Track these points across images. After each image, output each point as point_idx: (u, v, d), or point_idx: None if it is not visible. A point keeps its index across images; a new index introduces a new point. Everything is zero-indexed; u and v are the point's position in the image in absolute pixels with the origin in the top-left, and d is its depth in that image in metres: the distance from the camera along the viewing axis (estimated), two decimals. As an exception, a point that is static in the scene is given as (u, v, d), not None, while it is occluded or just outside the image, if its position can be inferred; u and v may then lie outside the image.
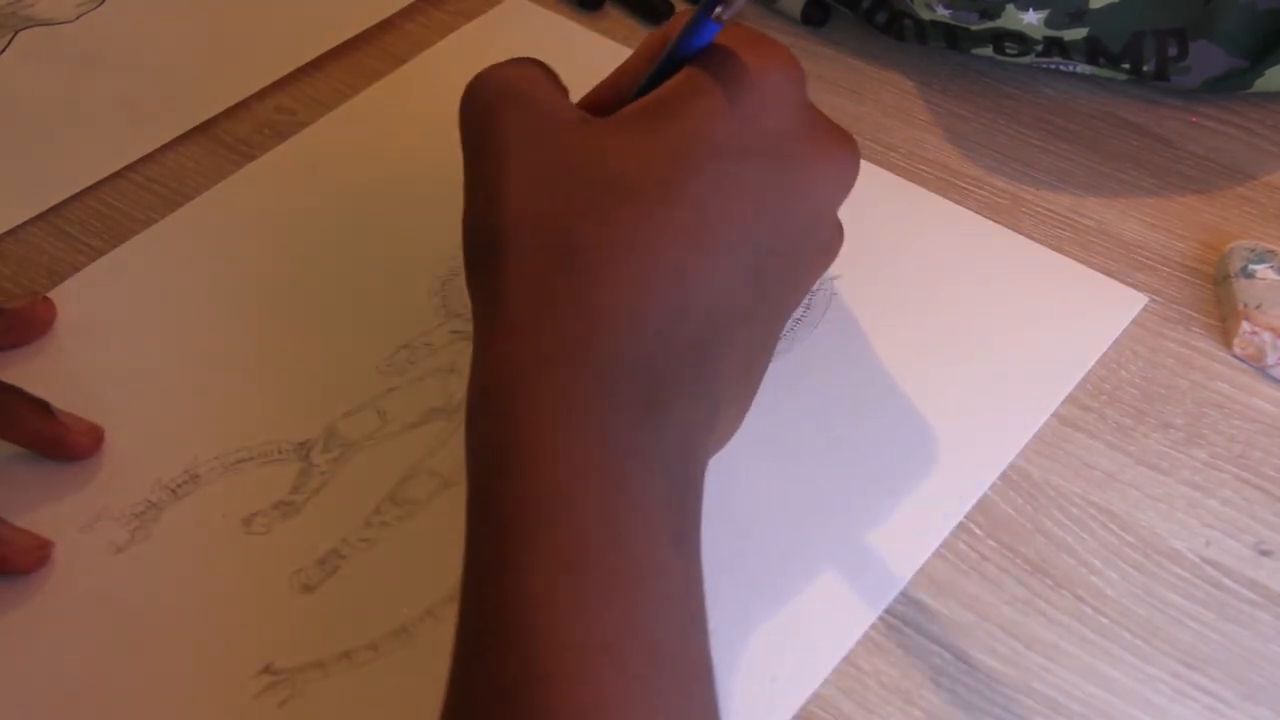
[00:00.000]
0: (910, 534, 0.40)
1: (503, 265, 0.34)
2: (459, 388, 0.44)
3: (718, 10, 0.35)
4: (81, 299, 0.48)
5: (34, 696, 0.37)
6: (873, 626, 0.38)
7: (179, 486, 0.42)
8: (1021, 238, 0.49)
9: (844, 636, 0.38)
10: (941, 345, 0.46)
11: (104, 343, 0.47)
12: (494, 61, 0.37)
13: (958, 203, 0.51)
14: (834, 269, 0.48)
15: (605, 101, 0.39)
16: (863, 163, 0.52)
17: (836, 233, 0.40)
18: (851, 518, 0.41)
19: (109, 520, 0.41)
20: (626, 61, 0.40)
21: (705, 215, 0.34)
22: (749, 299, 0.35)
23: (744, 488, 0.41)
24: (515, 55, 0.57)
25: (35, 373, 0.45)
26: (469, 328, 0.46)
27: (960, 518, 0.41)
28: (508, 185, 0.35)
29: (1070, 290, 0.47)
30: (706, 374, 0.34)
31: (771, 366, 0.40)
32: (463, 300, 0.47)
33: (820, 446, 0.43)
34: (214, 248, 0.50)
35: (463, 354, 0.45)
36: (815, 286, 0.47)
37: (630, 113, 0.36)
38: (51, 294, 0.48)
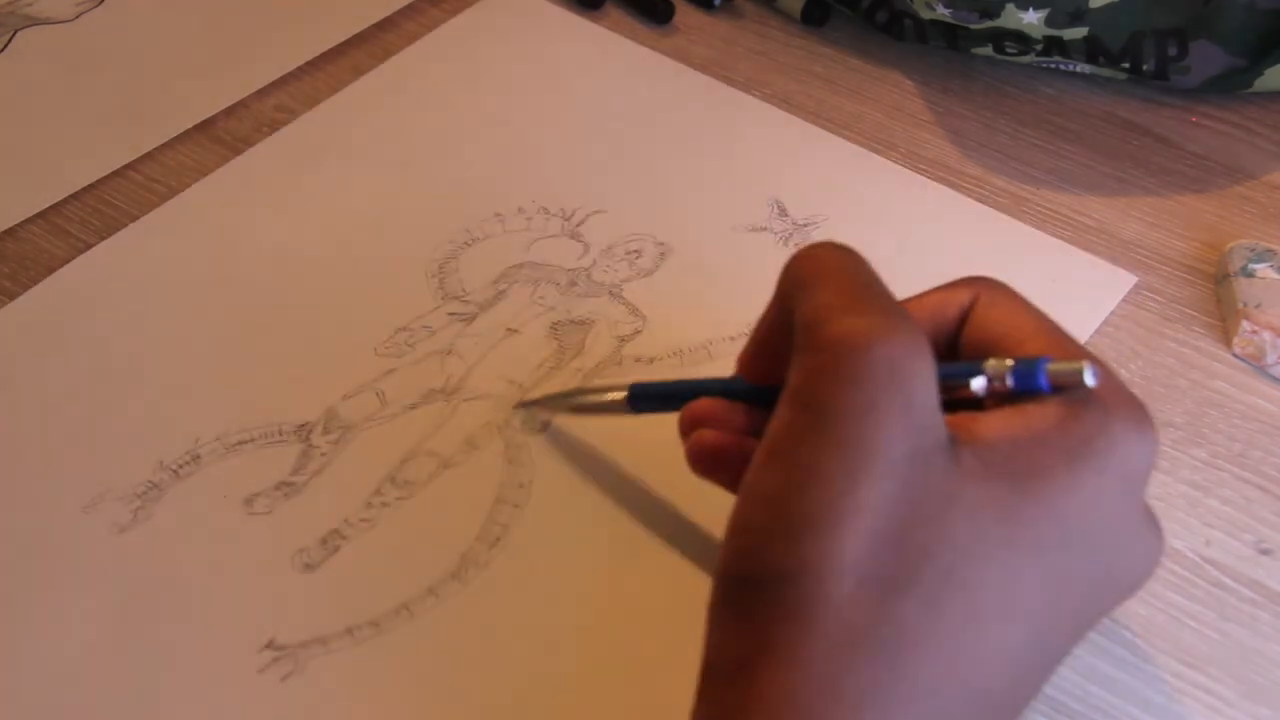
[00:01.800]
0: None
1: (794, 616, 0.27)
2: (456, 369, 0.45)
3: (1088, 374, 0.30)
4: (81, 284, 0.48)
5: (38, 676, 0.37)
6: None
7: (180, 467, 0.42)
8: (1010, 219, 0.50)
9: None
10: None
11: (104, 326, 0.47)
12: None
13: (958, 202, 0.51)
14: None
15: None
16: (855, 148, 0.53)
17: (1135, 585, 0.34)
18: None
19: (111, 501, 0.41)
20: (946, 292, 0.34)
21: (1035, 614, 0.29)
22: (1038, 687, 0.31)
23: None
24: (516, 48, 0.57)
25: (37, 359, 0.45)
26: (466, 309, 0.46)
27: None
28: (842, 516, 0.27)
29: (1060, 270, 0.48)
30: None
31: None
32: (459, 282, 0.48)
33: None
34: (212, 234, 0.50)
35: (460, 335, 0.46)
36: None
37: (998, 457, 0.29)
38: (51, 279, 0.48)
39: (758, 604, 0.28)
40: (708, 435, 0.35)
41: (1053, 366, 0.30)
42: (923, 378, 0.28)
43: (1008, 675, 0.29)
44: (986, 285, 0.34)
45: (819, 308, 0.30)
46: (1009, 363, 0.31)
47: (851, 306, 0.29)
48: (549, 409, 0.43)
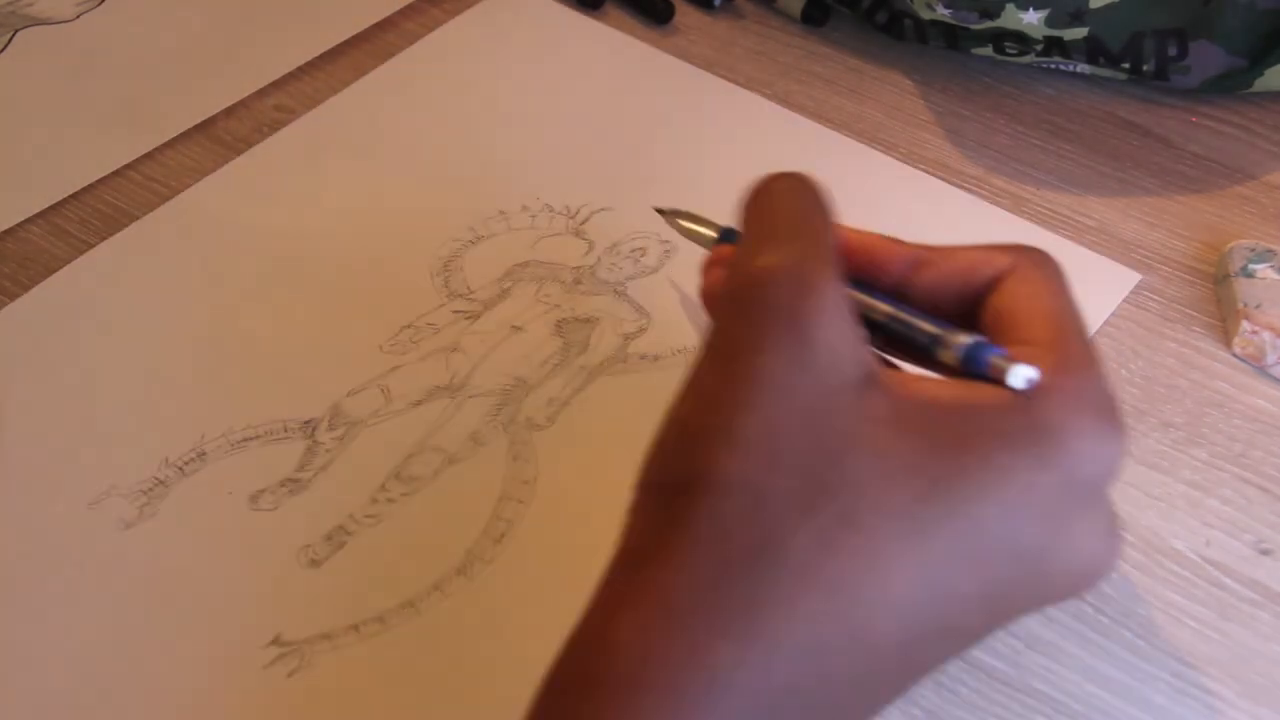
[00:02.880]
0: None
1: (682, 522, 0.29)
2: (461, 366, 0.45)
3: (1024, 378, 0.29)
4: (81, 284, 0.48)
5: (45, 672, 0.37)
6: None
7: (186, 464, 0.42)
8: (1012, 215, 0.50)
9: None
10: None
11: (106, 325, 0.47)
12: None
13: (958, 202, 0.51)
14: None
15: (879, 259, 0.35)
16: (855, 143, 0.53)
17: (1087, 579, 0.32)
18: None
19: (118, 497, 0.41)
20: (943, 252, 0.34)
21: (939, 583, 0.29)
22: (939, 661, 0.31)
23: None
24: (517, 47, 0.57)
25: (39, 359, 0.45)
26: (470, 307, 0.46)
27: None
28: (737, 436, 0.29)
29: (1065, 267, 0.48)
30: None
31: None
32: (464, 280, 0.48)
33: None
34: (213, 234, 0.50)
35: (465, 333, 0.46)
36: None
37: (917, 412, 0.29)
38: (51, 279, 0.48)
39: (659, 509, 0.30)
40: (715, 272, 0.36)
41: (995, 359, 0.30)
42: (825, 316, 0.29)
43: (897, 634, 0.29)
44: (1029, 256, 0.33)
45: (740, 248, 0.31)
46: (966, 340, 0.31)
47: (762, 247, 0.31)
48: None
